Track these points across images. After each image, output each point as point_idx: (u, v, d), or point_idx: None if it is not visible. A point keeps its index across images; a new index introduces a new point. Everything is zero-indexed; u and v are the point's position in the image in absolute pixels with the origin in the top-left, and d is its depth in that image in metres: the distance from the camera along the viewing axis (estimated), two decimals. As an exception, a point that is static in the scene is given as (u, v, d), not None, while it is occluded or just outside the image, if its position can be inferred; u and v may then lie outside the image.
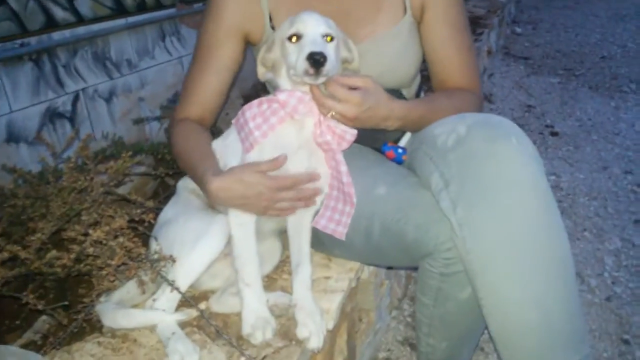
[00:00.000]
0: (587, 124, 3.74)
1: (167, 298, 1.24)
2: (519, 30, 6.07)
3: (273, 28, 1.41)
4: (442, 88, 1.48)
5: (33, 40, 1.81)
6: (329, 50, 1.16)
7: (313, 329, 1.19)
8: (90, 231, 1.20)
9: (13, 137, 1.77)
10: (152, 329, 1.24)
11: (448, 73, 1.46)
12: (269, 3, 1.42)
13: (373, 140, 1.42)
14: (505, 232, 1.10)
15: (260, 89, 1.60)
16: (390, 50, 1.44)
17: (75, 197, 1.34)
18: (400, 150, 1.42)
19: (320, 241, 1.37)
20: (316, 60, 1.11)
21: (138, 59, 2.25)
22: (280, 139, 1.22)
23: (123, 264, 1.20)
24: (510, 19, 6.29)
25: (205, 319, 1.23)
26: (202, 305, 1.32)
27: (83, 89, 2.01)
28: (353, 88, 1.20)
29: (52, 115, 1.90)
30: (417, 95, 1.62)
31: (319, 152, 1.26)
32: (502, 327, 1.14)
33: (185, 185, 1.41)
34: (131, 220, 1.28)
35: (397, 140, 1.46)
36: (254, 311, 1.21)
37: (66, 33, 1.93)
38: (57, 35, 1.90)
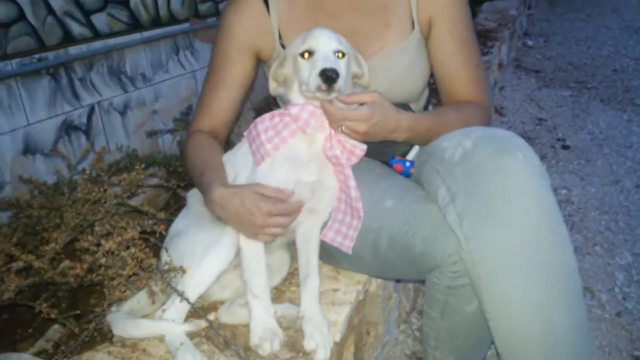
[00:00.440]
0: (598, 137, 3.72)
1: (176, 308, 1.26)
2: (530, 43, 6.07)
3: (283, 46, 1.44)
4: (450, 102, 1.50)
5: (51, 55, 1.87)
6: (341, 66, 1.19)
7: (320, 341, 1.20)
8: (103, 242, 1.22)
9: (30, 149, 1.82)
10: (161, 339, 1.26)
11: (456, 87, 1.48)
12: (279, 21, 1.45)
13: (381, 153, 1.44)
14: (510, 246, 1.11)
15: (272, 102, 1.63)
16: (399, 66, 1.46)
17: (89, 208, 1.37)
18: (407, 164, 1.44)
19: (329, 253, 1.38)
20: (328, 77, 1.13)
21: (152, 72, 2.30)
22: (291, 152, 1.24)
23: (134, 274, 1.22)
24: (522, 32, 6.29)
25: (214, 329, 1.25)
26: (211, 316, 1.34)
27: (98, 102, 2.06)
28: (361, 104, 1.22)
29: (68, 128, 1.95)
30: (425, 109, 1.63)
31: (328, 165, 1.28)
32: (507, 340, 1.14)
33: (196, 196, 1.44)
34: (143, 232, 1.30)
35: (404, 154, 1.48)
36: (262, 322, 1.22)
37: (83, 48, 1.98)
38: (73, 50, 1.95)
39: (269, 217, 1.19)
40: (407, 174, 1.43)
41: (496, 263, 1.11)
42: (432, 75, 1.54)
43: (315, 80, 1.15)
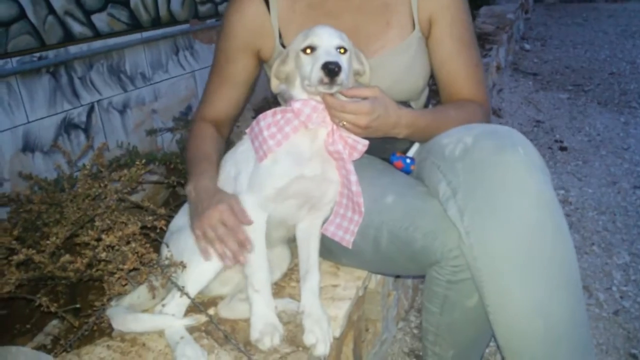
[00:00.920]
0: (596, 139, 3.74)
1: (176, 303, 1.26)
2: (527, 46, 6.11)
3: (283, 45, 1.45)
4: (450, 101, 1.51)
5: (51, 53, 1.88)
6: (343, 60, 1.19)
7: (320, 335, 1.21)
8: (103, 236, 1.22)
9: (29, 147, 1.82)
10: (160, 333, 1.26)
11: (455, 86, 1.49)
12: (279, 21, 1.46)
13: (382, 150, 1.44)
14: (511, 240, 1.11)
15: (272, 102, 1.64)
16: (399, 64, 1.47)
17: (89, 203, 1.37)
18: (408, 161, 1.44)
19: (329, 249, 1.39)
20: (331, 70, 1.14)
21: (152, 72, 2.30)
22: (293, 147, 1.24)
23: (135, 268, 1.22)
24: (519, 36, 6.33)
25: (214, 324, 1.25)
26: (211, 311, 1.34)
27: (98, 101, 2.06)
28: (362, 98, 1.23)
29: (68, 126, 1.95)
30: (426, 107, 1.64)
31: (331, 161, 1.28)
32: (509, 334, 1.15)
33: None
34: (143, 227, 1.30)
35: (405, 151, 1.48)
36: (263, 317, 1.22)
37: (83, 47, 1.99)
38: (74, 49, 1.96)
39: (220, 224, 1.20)
40: (407, 171, 1.44)
41: (497, 257, 1.12)
42: (432, 76, 1.55)
43: (317, 74, 1.16)
